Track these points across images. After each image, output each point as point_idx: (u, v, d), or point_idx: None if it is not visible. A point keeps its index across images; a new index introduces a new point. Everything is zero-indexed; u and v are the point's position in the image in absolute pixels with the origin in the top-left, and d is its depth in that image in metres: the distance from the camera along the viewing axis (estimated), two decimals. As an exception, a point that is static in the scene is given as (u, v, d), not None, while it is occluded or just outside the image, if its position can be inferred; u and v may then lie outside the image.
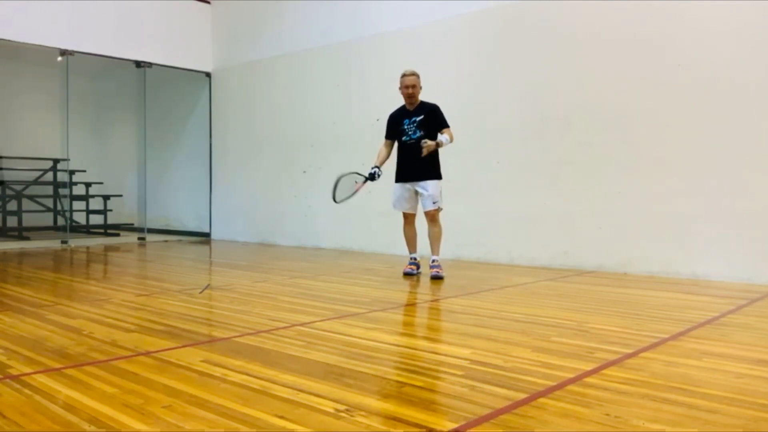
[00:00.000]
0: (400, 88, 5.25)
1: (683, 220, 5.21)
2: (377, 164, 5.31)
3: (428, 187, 5.15)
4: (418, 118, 5.18)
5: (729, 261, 4.99)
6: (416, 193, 5.25)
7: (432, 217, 5.20)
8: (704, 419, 1.93)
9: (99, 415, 1.92)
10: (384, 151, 5.39)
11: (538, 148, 6.05)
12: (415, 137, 5.15)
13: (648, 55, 5.40)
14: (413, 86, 5.17)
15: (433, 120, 5.17)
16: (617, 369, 2.47)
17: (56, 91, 8.86)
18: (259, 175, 8.89)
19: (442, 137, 5.10)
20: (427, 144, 5.00)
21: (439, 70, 6.50)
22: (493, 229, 6.38)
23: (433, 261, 5.21)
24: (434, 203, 5.15)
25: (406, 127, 5.22)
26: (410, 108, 5.25)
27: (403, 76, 5.21)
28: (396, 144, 5.35)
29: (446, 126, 5.20)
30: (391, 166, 5.41)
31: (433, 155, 5.17)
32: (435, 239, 5.23)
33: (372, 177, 5.24)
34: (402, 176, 5.28)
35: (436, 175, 5.20)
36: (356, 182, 5.26)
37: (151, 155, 9.96)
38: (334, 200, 5.26)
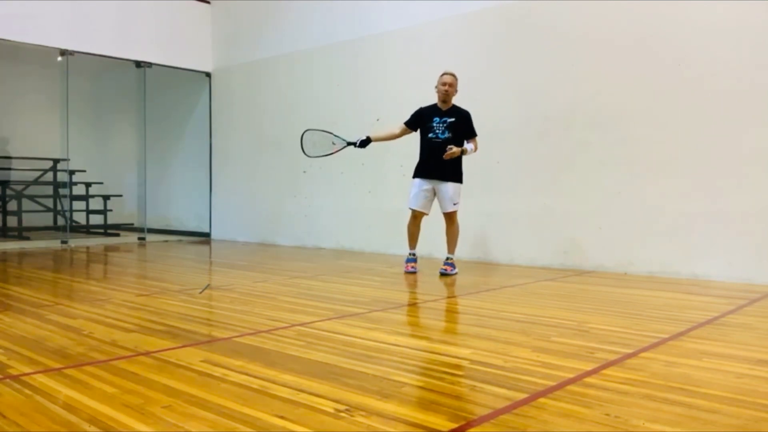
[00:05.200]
0: (436, 86, 5.27)
1: (683, 220, 5.21)
2: (372, 136, 5.38)
3: (449, 188, 5.20)
4: (449, 120, 5.19)
5: (729, 261, 4.99)
6: (434, 193, 5.28)
7: (450, 217, 5.28)
8: (704, 419, 1.93)
9: (99, 415, 1.92)
10: (394, 133, 5.41)
11: (539, 148, 6.05)
12: (443, 137, 5.16)
13: (648, 55, 5.40)
14: (450, 84, 5.19)
15: (464, 125, 5.21)
16: (617, 369, 2.47)
17: (56, 91, 8.85)
18: (259, 175, 8.89)
19: (468, 146, 5.17)
20: (452, 151, 5.04)
21: (439, 70, 6.44)
22: (493, 229, 6.38)
23: (448, 259, 5.35)
24: (454, 204, 5.22)
25: (435, 125, 5.21)
26: (443, 107, 5.25)
27: (443, 74, 5.25)
28: (420, 140, 5.35)
29: (475, 135, 5.27)
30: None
31: (459, 158, 5.21)
32: (452, 239, 5.34)
33: (355, 144, 5.31)
34: (424, 173, 5.28)
35: (459, 178, 5.26)
36: (333, 143, 5.33)
37: (151, 155, 9.95)
38: (306, 154, 5.35)
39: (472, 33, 6.59)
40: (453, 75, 5.23)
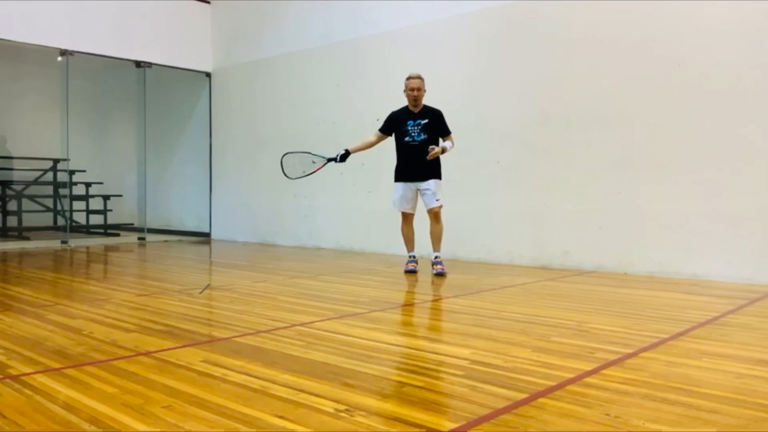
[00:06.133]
0: (404, 90, 5.29)
1: (683, 220, 5.21)
2: (350, 149, 5.38)
3: (431, 185, 5.23)
4: (423, 121, 5.22)
5: (729, 261, 4.99)
6: (417, 192, 5.32)
7: (435, 215, 5.29)
8: (704, 419, 1.93)
9: (99, 415, 1.92)
10: (371, 141, 5.45)
11: (539, 148, 6.05)
12: (419, 140, 5.21)
13: (648, 55, 5.39)
14: (418, 89, 5.20)
15: (437, 125, 5.25)
16: (617, 369, 2.47)
17: (56, 91, 8.85)
18: (259, 175, 8.89)
19: (446, 144, 5.22)
20: (435, 151, 5.08)
21: (439, 69, 6.50)
22: (493, 229, 6.38)
23: (436, 257, 5.33)
24: (437, 200, 5.23)
25: (409, 128, 5.24)
26: (414, 110, 5.28)
27: (409, 78, 5.25)
28: (396, 144, 5.38)
29: (449, 132, 5.30)
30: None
31: (437, 157, 5.24)
32: (437, 237, 5.34)
33: (335, 159, 5.31)
34: (404, 176, 5.33)
35: (438, 175, 5.29)
36: (314, 162, 5.35)
37: (151, 155, 9.96)
38: (287, 176, 5.40)
39: (472, 33, 6.58)
40: (419, 78, 5.23)
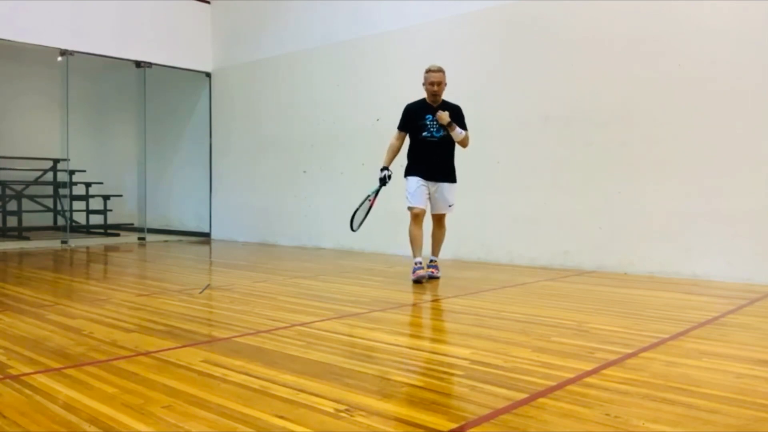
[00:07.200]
0: (423, 84, 4.99)
1: (683, 220, 5.21)
2: (386, 164, 5.10)
3: (446, 189, 5.03)
4: None
5: (729, 261, 4.99)
6: (428, 191, 5.10)
7: (441, 219, 5.16)
8: (704, 419, 1.93)
9: (99, 415, 1.92)
10: (396, 145, 5.13)
11: (539, 148, 6.05)
12: (438, 136, 4.95)
13: (648, 56, 5.40)
14: (439, 83, 4.89)
15: (456, 121, 4.94)
16: (617, 369, 2.47)
17: (56, 91, 8.85)
18: (259, 175, 8.89)
19: (461, 131, 4.95)
20: (445, 114, 4.83)
21: (439, 70, 6.50)
22: (493, 229, 6.38)
23: (432, 261, 5.21)
24: (450, 206, 5.08)
25: (428, 123, 4.97)
26: (433, 104, 4.99)
27: (429, 71, 4.92)
28: (411, 139, 5.10)
29: (465, 129, 5.04)
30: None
31: (452, 158, 5.07)
32: (439, 241, 5.21)
33: (384, 182, 5.08)
34: (420, 173, 5.01)
35: (454, 178, 5.09)
36: (369, 199, 5.17)
37: (151, 155, 9.96)
38: (353, 229, 5.19)
39: (472, 33, 6.59)
40: (440, 71, 4.91)
